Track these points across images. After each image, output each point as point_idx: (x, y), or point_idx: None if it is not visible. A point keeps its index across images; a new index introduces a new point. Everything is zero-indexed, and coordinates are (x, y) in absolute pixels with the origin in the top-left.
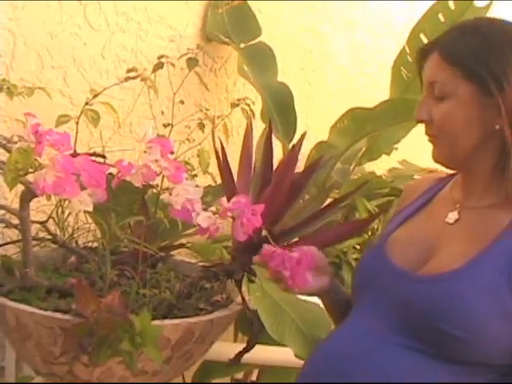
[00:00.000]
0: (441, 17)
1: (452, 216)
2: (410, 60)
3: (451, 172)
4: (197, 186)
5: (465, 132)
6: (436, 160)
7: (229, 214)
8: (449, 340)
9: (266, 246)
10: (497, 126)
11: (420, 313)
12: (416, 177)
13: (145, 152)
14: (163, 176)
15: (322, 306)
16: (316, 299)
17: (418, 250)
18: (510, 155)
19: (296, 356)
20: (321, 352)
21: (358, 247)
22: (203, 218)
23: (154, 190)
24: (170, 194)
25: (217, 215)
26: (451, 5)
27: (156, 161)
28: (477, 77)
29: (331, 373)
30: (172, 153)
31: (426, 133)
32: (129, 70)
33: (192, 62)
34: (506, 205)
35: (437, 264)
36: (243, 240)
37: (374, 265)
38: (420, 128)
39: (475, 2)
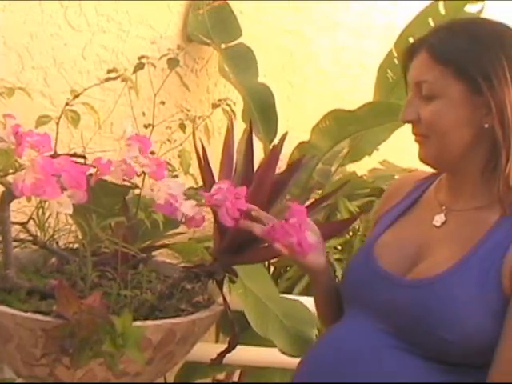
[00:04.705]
0: (431, 21)
1: (439, 219)
2: (397, 63)
3: (435, 171)
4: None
5: (455, 132)
6: (423, 160)
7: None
8: (439, 342)
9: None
10: (486, 125)
11: (408, 317)
12: (397, 177)
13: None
14: (144, 177)
15: (303, 303)
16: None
17: (406, 254)
18: (501, 154)
19: (280, 351)
20: (314, 354)
21: (340, 247)
22: (188, 207)
23: (136, 190)
24: (152, 191)
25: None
26: (441, 9)
27: (136, 158)
28: (467, 76)
29: (323, 374)
30: (153, 153)
31: (413, 132)
32: (109, 71)
33: (173, 63)
34: (493, 205)
35: (425, 268)
36: (232, 225)
37: (362, 269)
38: (401, 129)
39: (466, 7)
